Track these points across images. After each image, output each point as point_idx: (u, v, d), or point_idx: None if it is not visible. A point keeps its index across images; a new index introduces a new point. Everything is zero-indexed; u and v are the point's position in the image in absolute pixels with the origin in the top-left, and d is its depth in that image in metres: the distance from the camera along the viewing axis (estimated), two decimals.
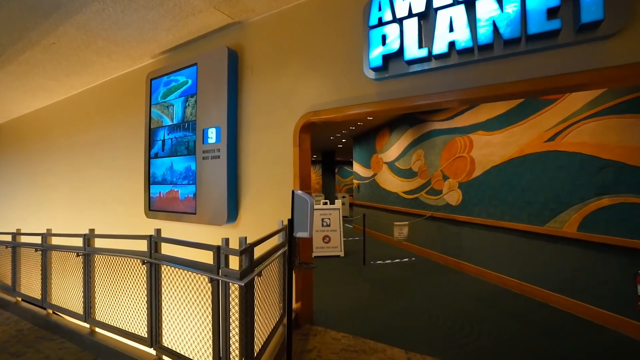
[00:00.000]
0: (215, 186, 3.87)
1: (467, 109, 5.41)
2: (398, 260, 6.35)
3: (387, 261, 6.26)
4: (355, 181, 10.83)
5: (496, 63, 2.47)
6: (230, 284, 1.99)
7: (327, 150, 15.08)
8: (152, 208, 4.58)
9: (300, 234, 1.87)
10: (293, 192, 1.87)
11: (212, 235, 3.97)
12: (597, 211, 3.52)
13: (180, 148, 4.28)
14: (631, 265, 3.21)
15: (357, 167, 10.69)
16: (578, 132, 3.72)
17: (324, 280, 5.05)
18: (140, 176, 4.78)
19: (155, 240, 2.47)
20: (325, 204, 6.98)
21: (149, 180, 4.63)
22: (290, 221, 1.90)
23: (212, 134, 3.91)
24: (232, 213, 3.83)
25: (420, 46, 2.65)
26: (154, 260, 2.46)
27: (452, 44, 2.52)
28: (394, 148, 8.05)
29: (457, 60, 2.57)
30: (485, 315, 3.75)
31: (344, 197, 15.08)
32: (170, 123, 4.42)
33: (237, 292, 2.01)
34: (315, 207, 6.83)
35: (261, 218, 3.68)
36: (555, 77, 2.28)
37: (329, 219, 6.82)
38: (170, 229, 4.39)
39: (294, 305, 3.38)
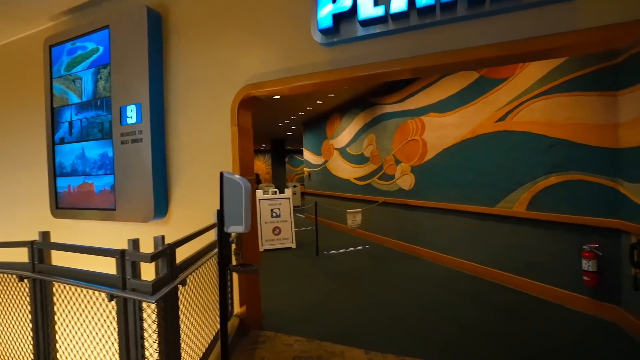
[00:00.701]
0: (138, 176, 3.20)
1: (420, 89, 5.25)
2: (352, 248, 6.13)
3: (342, 250, 6.01)
4: (305, 169, 10.46)
5: (461, 25, 2.19)
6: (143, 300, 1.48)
7: (277, 138, 14.48)
8: (61, 205, 3.74)
9: (233, 229, 1.41)
10: (221, 174, 1.39)
11: (138, 234, 3.30)
12: (546, 189, 3.52)
13: (93, 131, 3.51)
14: (579, 242, 3.23)
15: (307, 155, 10.31)
16: (528, 110, 3.67)
17: (275, 277, 4.62)
18: (42, 167, 3.89)
19: (38, 248, 1.83)
20: (275, 193, 6.51)
21: (55, 172, 3.77)
22: (220, 213, 1.43)
23: (131, 112, 3.22)
24: (161, 207, 3.21)
25: (376, 3, 2.27)
26: (37, 276, 1.82)
27: (412, 2, 2.19)
28: (345, 133, 7.78)
29: (417, 22, 2.24)
30: (444, 301, 3.61)
31: (295, 186, 14.66)
32: (78, 101, 3.60)
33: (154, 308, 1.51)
34: (264, 197, 6.33)
35: (197, 212, 3.12)
36: (523, 41, 2.05)
37: (279, 209, 6.37)
38: (87, 229, 3.65)
39: (239, 309, 2.92)
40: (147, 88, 3.12)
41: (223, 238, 1.46)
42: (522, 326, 3.02)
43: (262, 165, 19.76)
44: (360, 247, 6.19)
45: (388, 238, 6.22)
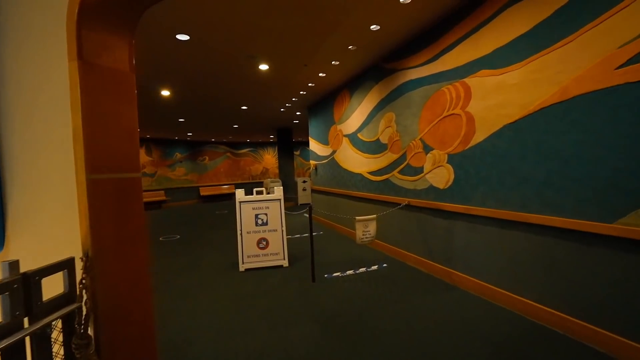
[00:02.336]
0: None
1: (461, 39, 3.50)
2: (364, 269, 4.49)
3: (349, 272, 4.38)
4: (312, 162, 8.85)
5: None
6: None
7: (282, 128, 12.92)
8: None
9: None
10: None
11: None
12: None
13: None
14: None
15: (313, 145, 8.69)
16: None
17: (241, 322, 3.07)
18: None
19: None
20: (260, 193, 4.94)
21: None
22: None
23: None
24: None
25: None
26: None
27: None
28: (355, 115, 6.09)
29: None
30: None
31: (304, 181, 13.08)
32: None
33: None
34: (246, 198, 4.78)
35: (53, 233, 1.59)
36: None
37: (266, 214, 4.80)
38: None
39: None
40: None
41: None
42: None
43: (270, 158, 18.29)
44: (374, 267, 4.54)
45: (413, 255, 4.54)
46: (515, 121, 2.92)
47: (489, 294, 3.29)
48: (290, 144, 13.21)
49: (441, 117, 3.84)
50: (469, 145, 3.45)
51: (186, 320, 3.16)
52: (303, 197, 13.17)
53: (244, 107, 8.47)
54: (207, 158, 16.33)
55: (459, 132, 3.58)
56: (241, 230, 4.70)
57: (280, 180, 12.55)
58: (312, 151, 8.78)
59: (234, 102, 7.85)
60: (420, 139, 4.23)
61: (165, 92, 6.56)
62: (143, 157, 13.89)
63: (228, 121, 10.77)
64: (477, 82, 3.31)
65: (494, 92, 3.12)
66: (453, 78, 3.63)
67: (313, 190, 8.86)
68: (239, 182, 17.29)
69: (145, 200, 14.03)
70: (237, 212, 4.73)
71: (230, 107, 8.33)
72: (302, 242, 6.26)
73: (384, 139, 5.14)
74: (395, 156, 4.84)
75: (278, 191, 4.90)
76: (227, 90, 6.67)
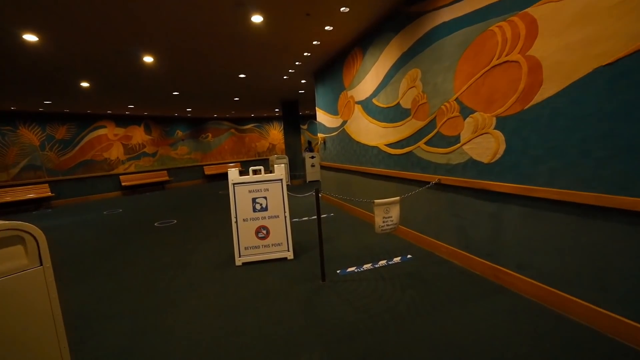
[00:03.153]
0: None
1: None
2: (385, 262, 3.72)
3: (365, 267, 3.62)
4: (320, 135, 7.95)
5: None
6: None
7: (288, 100, 11.92)
8: None
9: None
10: None
11: None
12: None
13: None
14: None
15: (321, 116, 7.75)
16: None
17: (233, 348, 2.36)
18: None
19: None
20: (257, 172, 4.13)
21: None
22: None
23: None
24: None
25: None
26: None
27: None
28: (370, 77, 5.12)
29: None
30: None
31: (313, 157, 12.24)
32: None
33: None
34: (241, 179, 3.99)
35: None
36: None
37: (265, 198, 4.02)
38: None
39: None
40: None
41: None
42: None
43: (277, 134, 17.37)
44: (397, 259, 3.77)
45: (444, 244, 3.73)
46: (615, 62, 1.98)
47: (557, 302, 2.47)
48: (296, 117, 12.24)
49: (487, 67, 2.89)
50: (531, 103, 2.53)
51: (160, 344, 2.46)
52: (312, 174, 12.36)
53: (242, 75, 7.52)
54: (210, 135, 15.53)
55: (515, 86, 2.64)
56: (236, 217, 3.94)
57: (286, 157, 11.73)
58: (320, 123, 7.86)
59: (230, 70, 6.90)
60: (456, 99, 3.30)
61: (148, 59, 5.66)
62: (142, 135, 13.18)
63: (227, 94, 9.84)
64: (549, 11, 2.33)
65: (578, 23, 2.15)
66: (508, 11, 2.65)
67: (322, 167, 8.02)
68: (245, 159, 16.53)
69: (146, 181, 13.48)
70: (231, 195, 3.96)
71: (227, 75, 7.39)
72: (310, 226, 5.50)
73: (405, 104, 4.20)
74: (420, 124, 3.92)
75: (279, 170, 4.07)
76: (219, 54, 5.72)
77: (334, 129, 6.88)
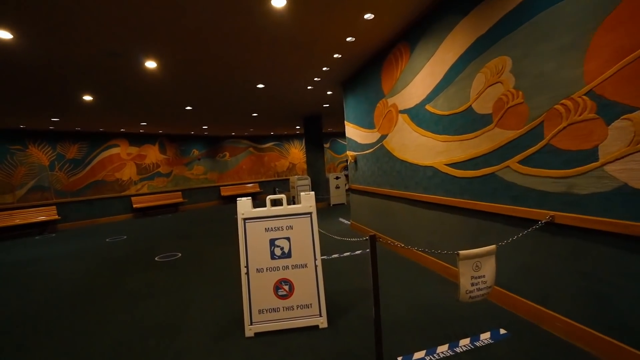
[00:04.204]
0: None
1: None
2: (466, 341, 2.45)
3: (441, 350, 2.36)
4: (349, 153, 6.82)
5: None
6: None
7: (310, 116, 10.96)
8: None
9: None
10: None
11: None
12: None
13: None
14: None
15: (350, 131, 6.66)
16: None
17: None
18: None
19: None
20: (276, 204, 3.00)
21: None
22: None
23: None
24: None
25: None
26: None
27: None
28: (421, 77, 4.00)
29: None
30: None
31: (337, 177, 11.13)
32: None
33: None
34: (255, 213, 2.88)
35: None
36: None
37: (288, 238, 2.87)
38: None
39: None
40: None
41: None
42: None
43: (298, 152, 16.42)
44: (486, 337, 2.49)
45: (563, 317, 2.44)
46: None
47: None
48: (319, 133, 11.23)
49: None
50: None
51: None
52: (336, 197, 11.18)
53: (261, 85, 6.58)
54: (227, 154, 14.75)
55: None
56: (247, 266, 2.80)
57: (308, 177, 10.64)
58: (350, 139, 6.76)
59: (246, 79, 5.98)
60: (590, 92, 2.10)
61: (151, 64, 4.78)
62: (156, 155, 12.50)
63: (244, 108, 8.96)
64: None
65: None
66: None
67: (352, 190, 6.84)
68: (263, 179, 15.60)
69: (159, 203, 12.64)
70: (241, 235, 2.84)
71: (242, 86, 6.48)
72: (342, 266, 4.29)
73: (482, 107, 3.03)
74: (510, 134, 2.73)
75: (307, 200, 2.93)
76: (232, 55, 4.78)
77: (369, 146, 5.75)
